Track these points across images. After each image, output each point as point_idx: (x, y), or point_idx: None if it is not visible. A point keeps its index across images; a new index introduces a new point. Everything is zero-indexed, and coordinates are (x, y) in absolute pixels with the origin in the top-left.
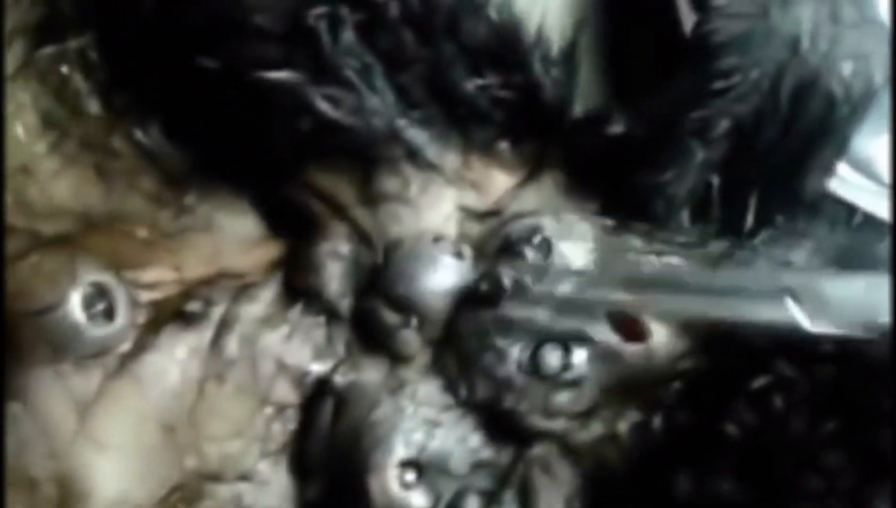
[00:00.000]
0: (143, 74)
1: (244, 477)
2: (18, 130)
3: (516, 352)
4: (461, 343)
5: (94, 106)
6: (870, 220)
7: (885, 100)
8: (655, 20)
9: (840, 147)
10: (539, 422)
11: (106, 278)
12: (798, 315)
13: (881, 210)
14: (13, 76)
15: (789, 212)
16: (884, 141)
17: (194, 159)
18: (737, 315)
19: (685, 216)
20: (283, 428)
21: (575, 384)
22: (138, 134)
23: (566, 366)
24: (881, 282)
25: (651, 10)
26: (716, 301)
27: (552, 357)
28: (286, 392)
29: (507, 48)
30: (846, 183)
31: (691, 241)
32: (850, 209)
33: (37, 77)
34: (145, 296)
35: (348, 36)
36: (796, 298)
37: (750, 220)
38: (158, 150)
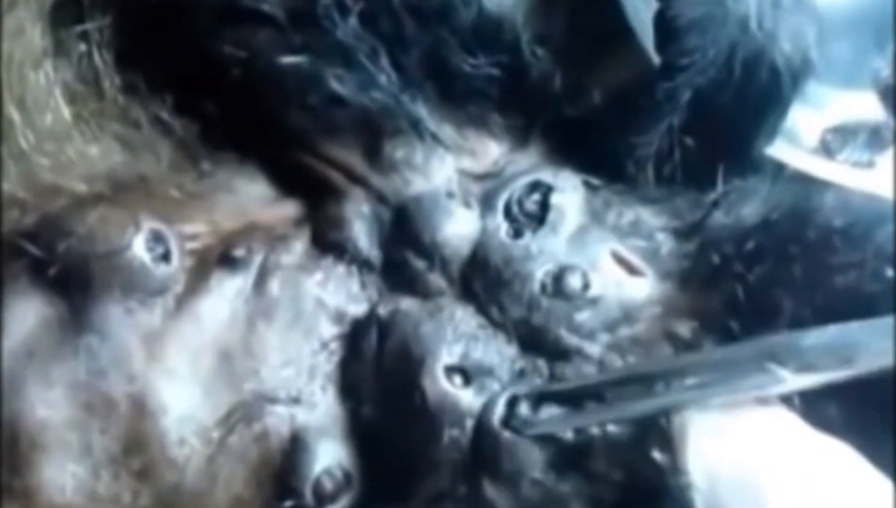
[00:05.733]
0: (156, 53)
1: (296, 400)
2: (52, 101)
3: (540, 276)
4: (489, 272)
5: (111, 81)
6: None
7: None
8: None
9: (782, 113)
10: (566, 337)
11: (160, 225)
12: (783, 376)
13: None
14: (43, 53)
15: (741, 170)
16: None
17: (203, 131)
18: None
19: (651, 175)
20: (328, 358)
21: (594, 302)
22: (153, 108)
23: (586, 286)
24: (851, 326)
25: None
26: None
27: (574, 279)
28: (328, 328)
29: (497, 31)
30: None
31: (660, 197)
32: (780, 166)
33: (60, 54)
34: (188, 245)
35: (353, 22)
36: (779, 361)
37: (713, 177)
38: (171, 122)
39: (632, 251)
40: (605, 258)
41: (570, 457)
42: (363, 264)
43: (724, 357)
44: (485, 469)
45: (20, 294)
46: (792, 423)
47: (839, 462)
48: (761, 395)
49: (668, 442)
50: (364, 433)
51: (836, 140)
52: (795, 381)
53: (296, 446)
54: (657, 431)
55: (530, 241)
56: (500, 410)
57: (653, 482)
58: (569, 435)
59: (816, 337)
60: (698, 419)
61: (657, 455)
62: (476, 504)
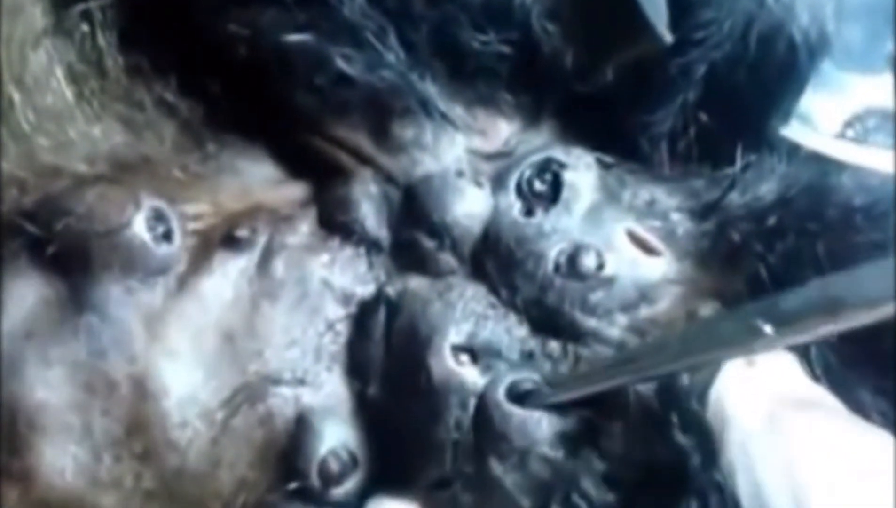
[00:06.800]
0: (160, 33)
1: (301, 381)
2: (53, 81)
3: (553, 254)
4: (501, 251)
5: (114, 62)
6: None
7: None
8: None
9: (799, 88)
10: (581, 318)
11: (162, 204)
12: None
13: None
14: (44, 32)
15: (757, 147)
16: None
17: (208, 112)
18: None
19: (665, 154)
20: (333, 339)
21: (609, 282)
22: (157, 88)
23: (601, 265)
24: (832, 281)
25: None
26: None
27: (588, 259)
28: (334, 309)
29: (507, 7)
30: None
31: (675, 176)
32: (796, 147)
33: (62, 34)
34: (190, 225)
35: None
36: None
37: (729, 155)
38: (176, 103)
39: (648, 232)
40: (621, 237)
41: (581, 434)
42: (371, 246)
43: (707, 324)
44: (491, 446)
45: (19, 274)
46: (830, 406)
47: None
48: (749, 355)
49: (695, 423)
50: (370, 413)
51: (856, 130)
52: (781, 338)
53: (301, 427)
54: (682, 411)
55: (543, 219)
56: (506, 383)
57: (676, 464)
58: (580, 412)
59: (797, 295)
60: (738, 405)
61: (680, 437)
62: (482, 484)
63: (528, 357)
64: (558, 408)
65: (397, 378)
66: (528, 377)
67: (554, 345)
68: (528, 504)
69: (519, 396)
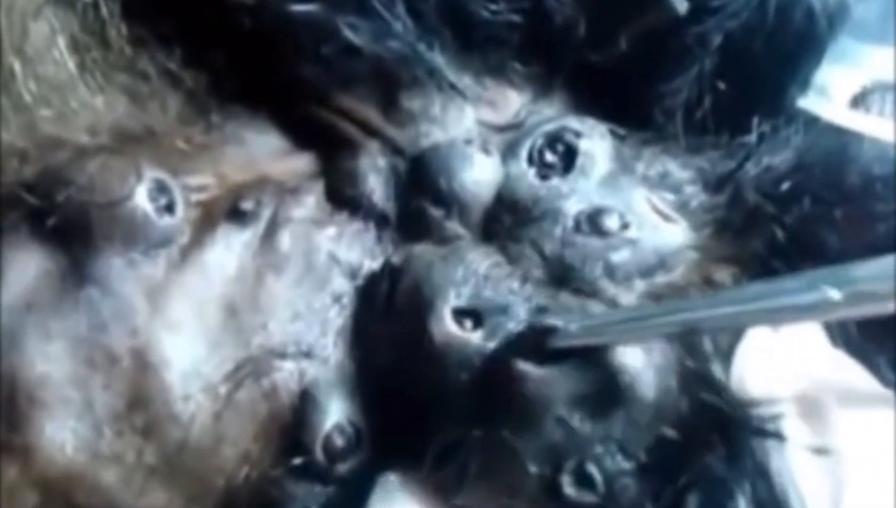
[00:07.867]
0: (164, 2)
1: (306, 355)
2: (55, 51)
3: (573, 213)
4: (519, 209)
5: (117, 32)
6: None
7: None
8: None
9: (818, 58)
10: (600, 279)
11: (164, 175)
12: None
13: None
14: (45, 1)
15: (773, 119)
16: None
17: (213, 83)
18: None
19: (680, 125)
20: (339, 312)
21: (632, 242)
22: (161, 59)
23: (625, 225)
24: None
25: None
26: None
27: (611, 219)
28: (340, 283)
29: None
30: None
31: (689, 147)
32: (813, 119)
33: (64, 3)
34: (194, 197)
35: None
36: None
37: (744, 127)
38: (180, 73)
39: (662, 203)
40: (641, 202)
41: (599, 395)
42: (379, 219)
43: (770, 284)
44: (502, 407)
45: (19, 246)
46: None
47: None
48: (812, 320)
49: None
50: (376, 385)
51: (869, 98)
52: (848, 307)
53: (306, 401)
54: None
55: (560, 183)
56: (522, 331)
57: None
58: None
59: (871, 266)
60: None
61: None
62: (491, 448)
63: (539, 312)
64: (576, 365)
65: (401, 346)
66: (550, 319)
67: (567, 298)
68: (538, 469)
69: (540, 337)
